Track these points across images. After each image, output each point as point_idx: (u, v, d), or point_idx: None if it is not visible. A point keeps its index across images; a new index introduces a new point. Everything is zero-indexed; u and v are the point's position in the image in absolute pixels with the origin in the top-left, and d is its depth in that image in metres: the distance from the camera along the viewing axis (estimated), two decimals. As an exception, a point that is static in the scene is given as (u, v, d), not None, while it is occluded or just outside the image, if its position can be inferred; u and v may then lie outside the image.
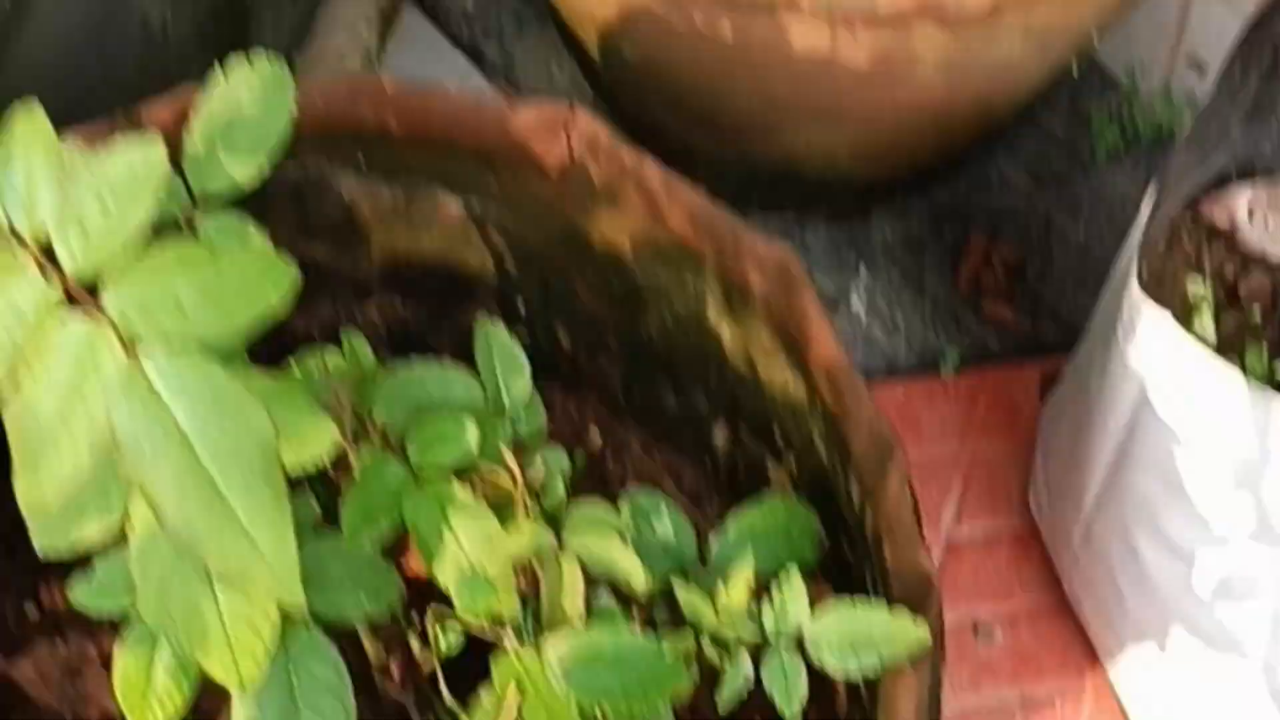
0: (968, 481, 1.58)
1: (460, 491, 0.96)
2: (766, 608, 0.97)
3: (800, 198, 1.65)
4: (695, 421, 1.23)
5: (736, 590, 0.97)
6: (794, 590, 0.97)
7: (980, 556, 1.55)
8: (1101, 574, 1.41)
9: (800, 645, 0.97)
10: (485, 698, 0.95)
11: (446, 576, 0.94)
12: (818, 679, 1.12)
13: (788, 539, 1.04)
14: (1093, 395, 1.34)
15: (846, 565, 1.09)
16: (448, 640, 0.94)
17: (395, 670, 1.12)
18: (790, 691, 0.96)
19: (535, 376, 1.06)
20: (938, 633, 1.00)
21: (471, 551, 0.95)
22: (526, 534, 0.95)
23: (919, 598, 1.00)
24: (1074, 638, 1.52)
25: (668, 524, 1.03)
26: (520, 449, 1.01)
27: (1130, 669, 1.45)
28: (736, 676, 0.97)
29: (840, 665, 0.96)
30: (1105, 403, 1.31)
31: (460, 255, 1.20)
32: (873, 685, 1.00)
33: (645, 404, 1.25)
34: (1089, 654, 1.51)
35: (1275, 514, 1.21)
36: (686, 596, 0.97)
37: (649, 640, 0.92)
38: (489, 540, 0.95)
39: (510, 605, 0.95)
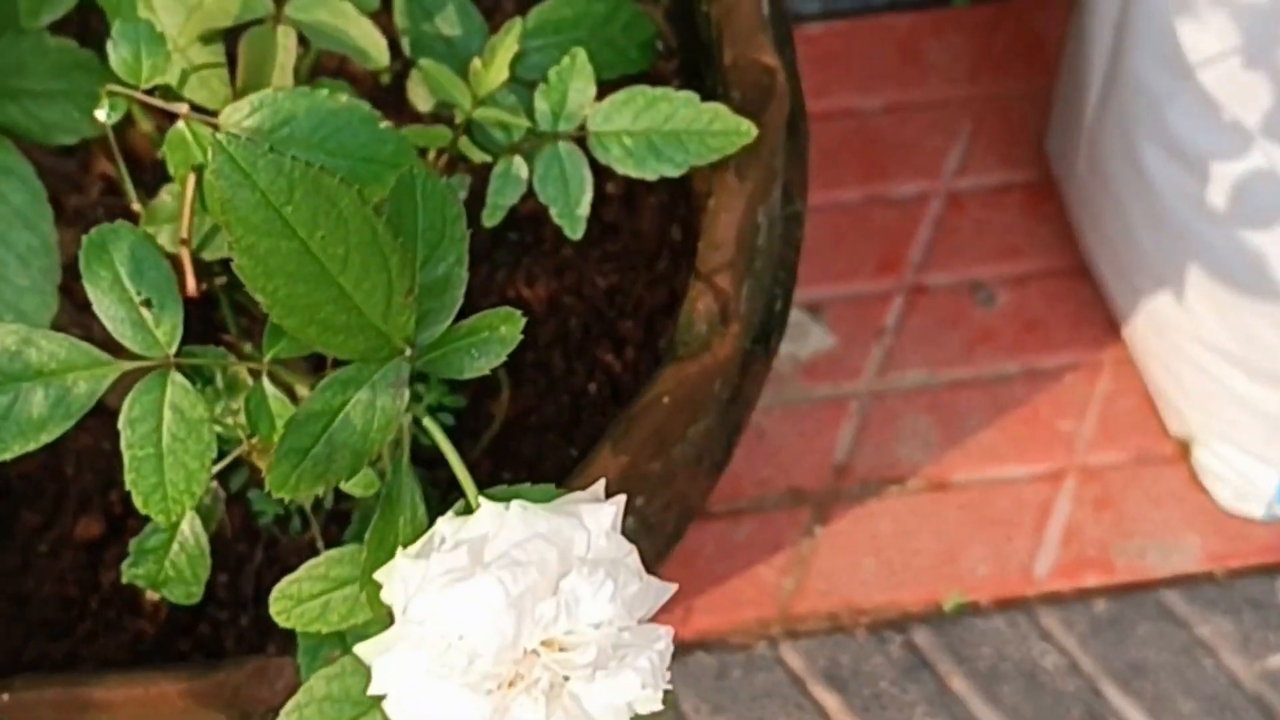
0: (979, 125, 1.33)
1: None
2: (541, 94, 0.75)
3: None
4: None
5: (495, 66, 0.74)
6: (578, 74, 0.74)
7: (986, 210, 1.31)
8: (1110, 207, 1.16)
9: (586, 144, 0.75)
10: (165, 193, 0.74)
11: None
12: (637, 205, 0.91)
13: (605, 37, 0.81)
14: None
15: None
16: (109, 112, 0.73)
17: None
18: (567, 194, 0.74)
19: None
20: (778, 140, 0.77)
21: (167, 20, 0.75)
22: (235, -2, 0.74)
23: (758, 97, 0.78)
24: (1090, 304, 1.27)
25: (452, 16, 0.81)
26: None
27: (1149, 330, 1.20)
28: (504, 181, 0.75)
29: (635, 165, 0.74)
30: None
31: None
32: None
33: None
34: (1108, 324, 1.26)
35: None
36: (433, 71, 0.75)
37: (365, 111, 0.70)
38: (187, 5, 0.75)
39: (219, 89, 0.75)
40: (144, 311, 0.61)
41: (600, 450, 0.71)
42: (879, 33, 1.35)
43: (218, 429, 0.63)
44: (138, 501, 0.62)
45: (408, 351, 0.57)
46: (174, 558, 0.67)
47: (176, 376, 0.61)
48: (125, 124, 0.74)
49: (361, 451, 0.56)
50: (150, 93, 0.71)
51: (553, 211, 0.74)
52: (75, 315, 0.87)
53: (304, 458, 0.55)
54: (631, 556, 0.53)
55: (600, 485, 0.55)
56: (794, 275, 0.81)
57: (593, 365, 0.92)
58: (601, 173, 0.77)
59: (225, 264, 0.77)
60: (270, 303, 0.54)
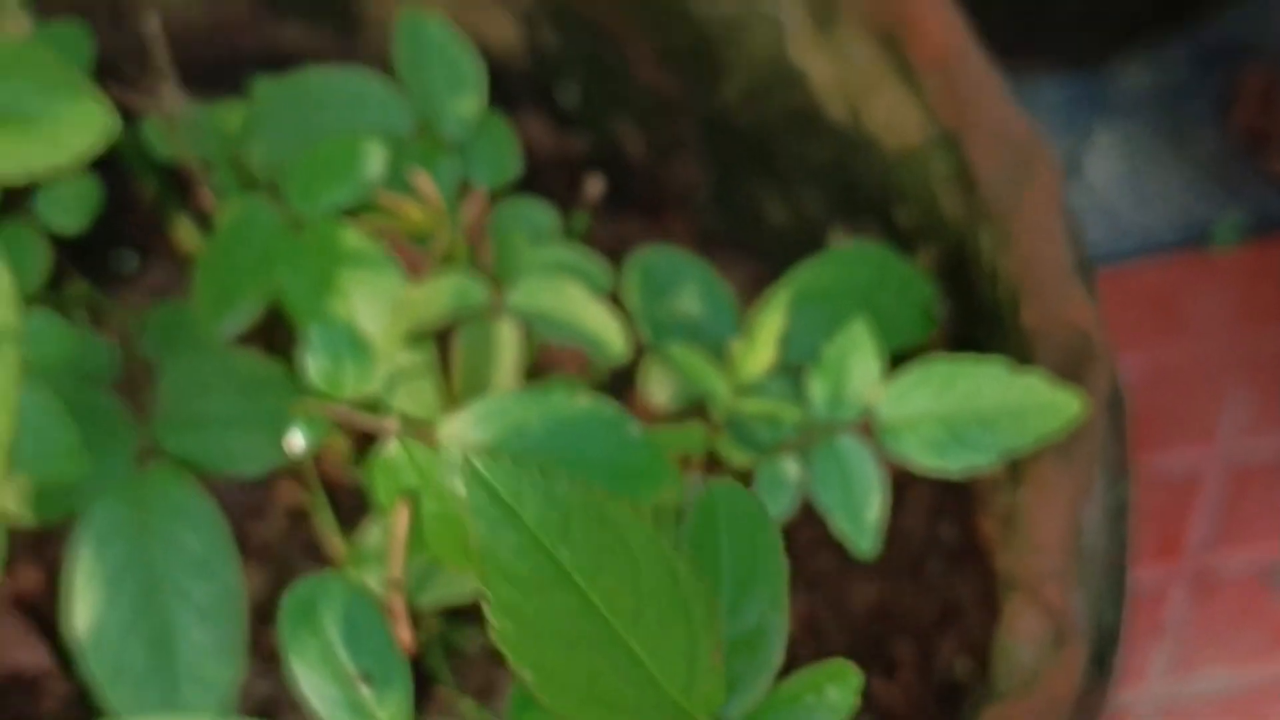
0: (1254, 385, 1.18)
1: (355, 238, 0.64)
2: (815, 377, 0.62)
3: (1022, 41, 1.29)
4: (809, 234, 0.88)
5: (759, 347, 0.62)
6: (859, 352, 0.61)
7: (1272, 481, 1.15)
8: None
9: (874, 434, 0.62)
10: (371, 528, 0.62)
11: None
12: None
13: (875, 305, 0.68)
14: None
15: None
16: (311, 435, 0.61)
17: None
18: (851, 498, 0.60)
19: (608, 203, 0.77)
20: (1101, 417, 0.64)
21: (366, 320, 0.63)
22: (445, 286, 0.62)
23: (1071, 364, 0.64)
24: None
25: (695, 294, 0.68)
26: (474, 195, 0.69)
27: None
28: (773, 487, 0.61)
29: (936, 457, 0.60)
30: None
31: (475, 24, 0.89)
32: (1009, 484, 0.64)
33: (744, 222, 0.91)
34: None
35: None
36: (683, 359, 0.62)
37: (611, 414, 0.57)
38: (392, 301, 0.63)
39: (430, 397, 0.63)
40: (362, 688, 0.48)
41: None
42: (1130, 287, 1.21)
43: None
44: None
45: (713, 732, 0.43)
46: None
47: (405, 775, 0.48)
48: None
49: None
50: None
51: (834, 521, 0.61)
52: (261, 666, 0.75)
53: None
54: None
55: None
56: (1124, 579, 0.67)
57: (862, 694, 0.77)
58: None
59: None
60: (540, 677, 0.41)
